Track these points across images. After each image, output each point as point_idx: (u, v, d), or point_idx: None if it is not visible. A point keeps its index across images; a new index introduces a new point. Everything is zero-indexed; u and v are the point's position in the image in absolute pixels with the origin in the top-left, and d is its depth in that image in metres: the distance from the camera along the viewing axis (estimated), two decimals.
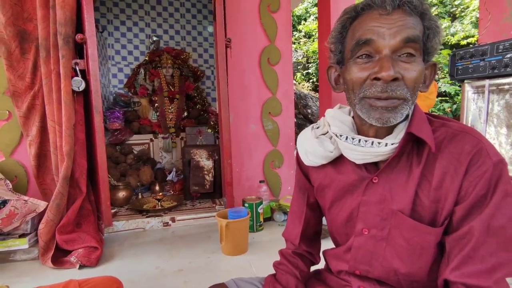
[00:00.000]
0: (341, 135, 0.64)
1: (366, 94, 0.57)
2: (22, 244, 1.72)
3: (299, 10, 7.81)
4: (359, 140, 0.61)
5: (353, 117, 0.68)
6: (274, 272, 0.82)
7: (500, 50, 1.52)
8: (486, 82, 1.60)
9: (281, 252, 0.83)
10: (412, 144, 0.60)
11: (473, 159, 0.54)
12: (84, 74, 1.87)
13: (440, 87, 5.42)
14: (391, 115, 0.56)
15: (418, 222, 0.59)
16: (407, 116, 0.61)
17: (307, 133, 0.72)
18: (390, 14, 0.55)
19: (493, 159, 0.54)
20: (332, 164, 0.70)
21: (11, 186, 1.83)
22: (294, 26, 7.61)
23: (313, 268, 0.85)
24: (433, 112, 5.18)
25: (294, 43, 7.22)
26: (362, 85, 0.58)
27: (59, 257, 1.66)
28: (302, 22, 7.80)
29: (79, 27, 1.84)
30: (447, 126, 0.60)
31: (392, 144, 0.59)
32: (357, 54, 0.58)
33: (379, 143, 0.59)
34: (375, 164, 0.65)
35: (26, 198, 1.73)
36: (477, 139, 0.56)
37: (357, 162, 0.64)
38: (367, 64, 0.57)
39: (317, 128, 0.72)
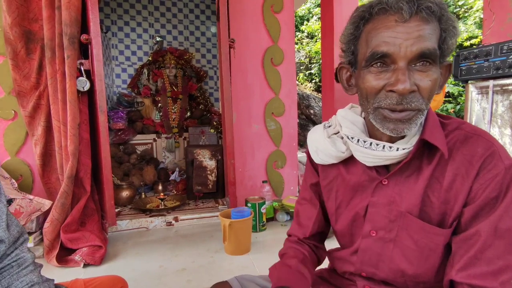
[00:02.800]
0: (352, 138, 0.63)
1: (380, 104, 0.56)
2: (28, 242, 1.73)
3: (301, 10, 7.81)
4: (371, 144, 0.61)
5: (364, 117, 0.66)
6: None
7: (504, 51, 1.51)
8: (490, 82, 1.60)
9: (286, 240, 0.81)
10: (424, 147, 0.60)
11: (485, 162, 0.54)
12: (89, 74, 1.88)
13: None
14: (406, 126, 0.55)
15: (427, 223, 0.59)
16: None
17: (319, 132, 0.71)
18: (407, 22, 0.52)
19: (505, 162, 0.53)
20: (342, 164, 0.69)
21: (16, 185, 1.85)
22: (296, 27, 7.61)
23: (317, 268, 0.85)
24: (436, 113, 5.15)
25: (296, 43, 7.22)
26: (377, 95, 0.56)
27: (64, 256, 1.68)
28: (305, 22, 7.80)
29: (84, 27, 1.85)
30: (460, 129, 0.59)
31: (404, 149, 0.58)
32: (373, 63, 0.56)
33: (390, 147, 0.59)
34: (386, 166, 0.64)
35: (31, 197, 1.75)
36: (490, 142, 0.55)
37: (368, 164, 0.63)
38: (382, 73, 0.55)
39: (329, 127, 0.71)
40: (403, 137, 0.60)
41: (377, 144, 0.60)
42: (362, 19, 0.58)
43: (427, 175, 0.59)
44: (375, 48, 0.54)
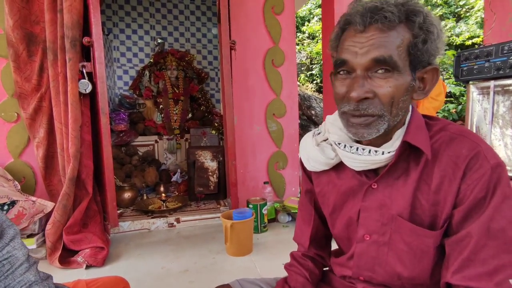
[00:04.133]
0: (339, 143, 0.65)
1: (344, 109, 0.60)
2: (30, 244, 1.74)
3: (302, 11, 7.81)
4: (357, 149, 0.62)
5: None
6: (282, 273, 0.82)
7: (505, 51, 1.51)
8: (491, 83, 1.60)
9: (291, 254, 0.83)
10: (410, 149, 0.60)
11: (470, 162, 0.55)
12: (91, 77, 1.89)
13: None
14: (365, 131, 0.58)
15: (418, 225, 0.59)
16: (404, 122, 0.62)
17: (308, 140, 0.73)
18: (363, 32, 0.56)
19: (490, 162, 0.54)
20: (333, 170, 0.71)
21: (19, 187, 1.86)
22: (297, 27, 7.61)
23: None
24: (438, 113, 5.15)
25: (297, 44, 7.22)
26: (342, 100, 0.60)
27: (66, 257, 1.68)
28: (306, 23, 7.80)
29: (85, 30, 1.86)
30: (445, 130, 0.60)
31: (389, 152, 0.59)
32: (338, 70, 0.60)
33: (376, 151, 0.60)
34: (374, 170, 0.65)
35: (34, 198, 1.76)
36: (474, 142, 0.56)
37: (356, 169, 0.64)
38: (346, 80, 0.59)
39: (318, 134, 0.73)
40: (388, 139, 0.61)
41: (363, 149, 0.62)
42: (341, 30, 0.62)
43: (415, 177, 0.59)
44: (338, 56, 0.59)
